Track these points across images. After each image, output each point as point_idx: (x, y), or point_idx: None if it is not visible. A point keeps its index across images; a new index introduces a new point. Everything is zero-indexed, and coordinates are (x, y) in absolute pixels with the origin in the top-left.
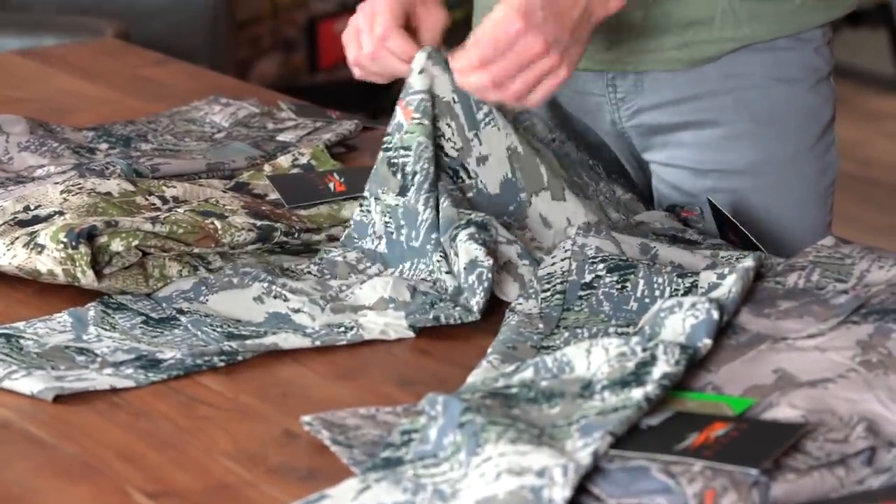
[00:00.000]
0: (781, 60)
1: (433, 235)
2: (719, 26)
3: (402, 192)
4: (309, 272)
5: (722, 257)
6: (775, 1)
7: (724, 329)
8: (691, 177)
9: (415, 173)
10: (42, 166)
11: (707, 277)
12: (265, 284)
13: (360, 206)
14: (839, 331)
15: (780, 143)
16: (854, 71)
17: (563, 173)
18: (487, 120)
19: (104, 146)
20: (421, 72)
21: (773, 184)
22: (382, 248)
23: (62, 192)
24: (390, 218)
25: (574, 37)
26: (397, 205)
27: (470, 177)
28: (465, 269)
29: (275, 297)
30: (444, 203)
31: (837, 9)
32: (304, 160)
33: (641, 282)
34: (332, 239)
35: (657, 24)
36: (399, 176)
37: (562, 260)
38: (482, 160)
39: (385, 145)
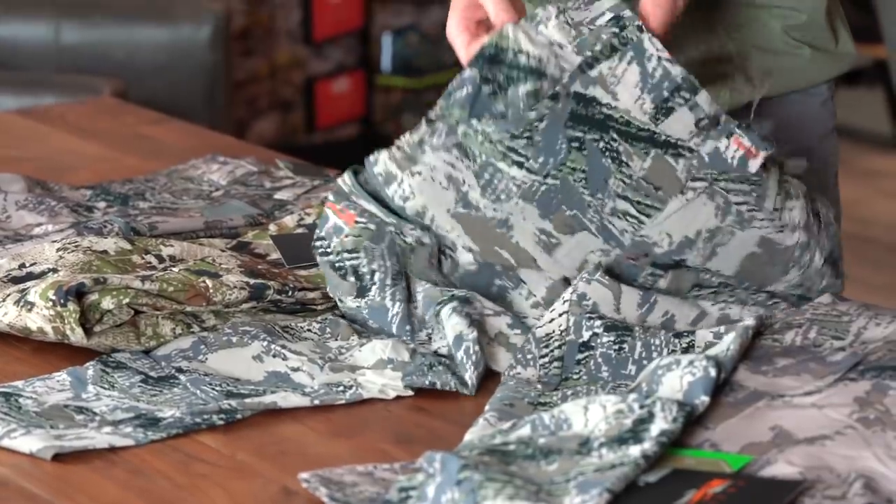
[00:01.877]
0: (790, 114)
1: (406, 327)
2: (731, 82)
3: (362, 293)
4: (310, 330)
5: (726, 303)
6: (785, 56)
7: (721, 386)
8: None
9: (373, 272)
10: (40, 225)
11: (704, 336)
12: (264, 343)
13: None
14: (837, 388)
15: None
16: (851, 130)
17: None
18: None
19: (102, 204)
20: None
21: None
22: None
23: (58, 250)
24: (354, 319)
25: None
26: (359, 306)
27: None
28: (452, 344)
29: (274, 356)
30: (424, 286)
31: (842, 63)
32: (309, 220)
33: (639, 343)
34: (327, 297)
35: None
36: (352, 278)
37: (560, 315)
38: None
39: (320, 249)
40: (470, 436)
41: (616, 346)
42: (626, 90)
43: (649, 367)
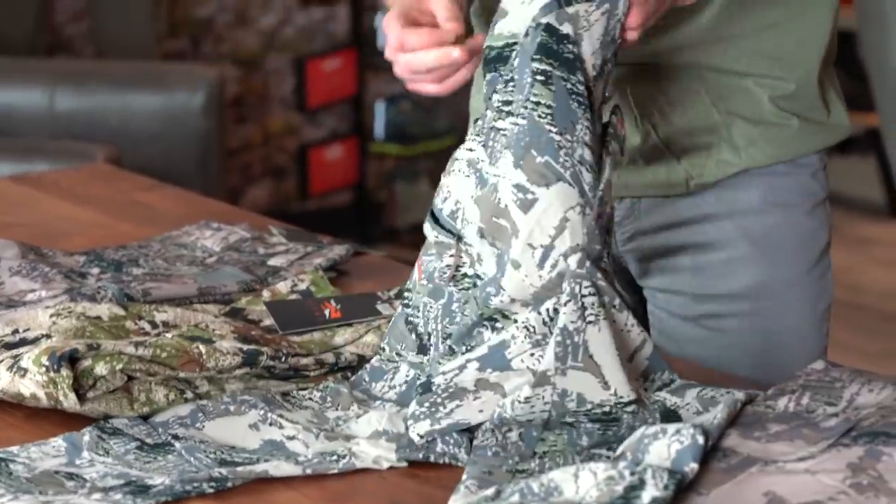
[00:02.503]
0: (779, 185)
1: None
2: (717, 153)
3: (422, 350)
4: (311, 399)
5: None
6: (772, 127)
7: (713, 452)
8: (690, 302)
9: (428, 334)
10: (33, 291)
11: (689, 418)
12: (261, 412)
13: (380, 353)
14: (830, 453)
15: (778, 267)
16: (844, 197)
17: None
18: None
19: (95, 271)
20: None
21: (771, 308)
22: (392, 395)
23: (52, 316)
24: (419, 372)
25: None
26: (422, 362)
27: None
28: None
29: (270, 425)
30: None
31: (833, 135)
32: (303, 286)
33: (624, 431)
34: (320, 363)
35: (655, 151)
36: (414, 335)
37: (542, 411)
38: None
39: (404, 301)
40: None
41: (600, 432)
42: (589, 41)
43: (634, 436)
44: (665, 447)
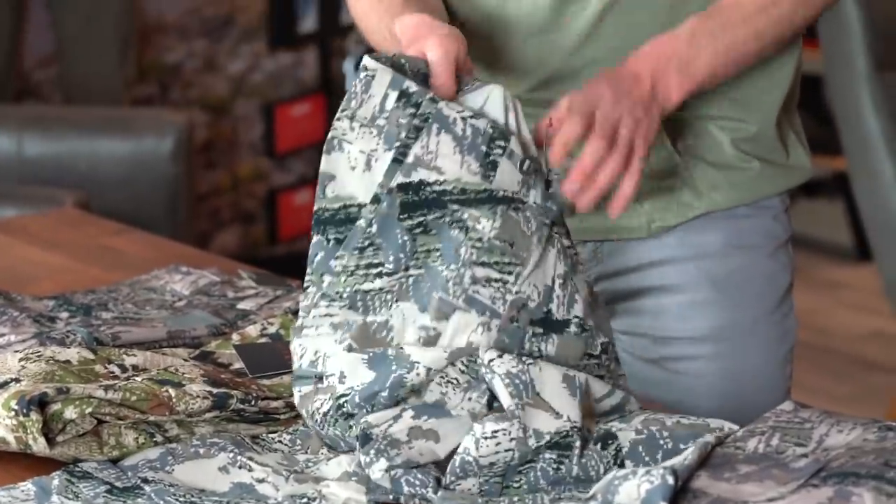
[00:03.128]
0: (741, 228)
1: None
2: (679, 196)
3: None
4: (281, 442)
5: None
6: (733, 170)
7: (683, 493)
8: (651, 344)
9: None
10: (2, 335)
11: (627, 437)
12: (231, 455)
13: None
14: (799, 494)
15: (740, 309)
16: (811, 241)
17: None
18: None
19: (65, 315)
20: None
21: (733, 350)
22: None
23: (21, 360)
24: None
25: (648, 112)
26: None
27: None
28: None
29: (240, 468)
30: None
31: (794, 177)
32: (272, 329)
33: (575, 468)
34: (291, 406)
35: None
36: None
37: (506, 451)
38: None
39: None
40: None
41: (555, 464)
42: (447, 160)
43: (606, 479)
44: (635, 487)
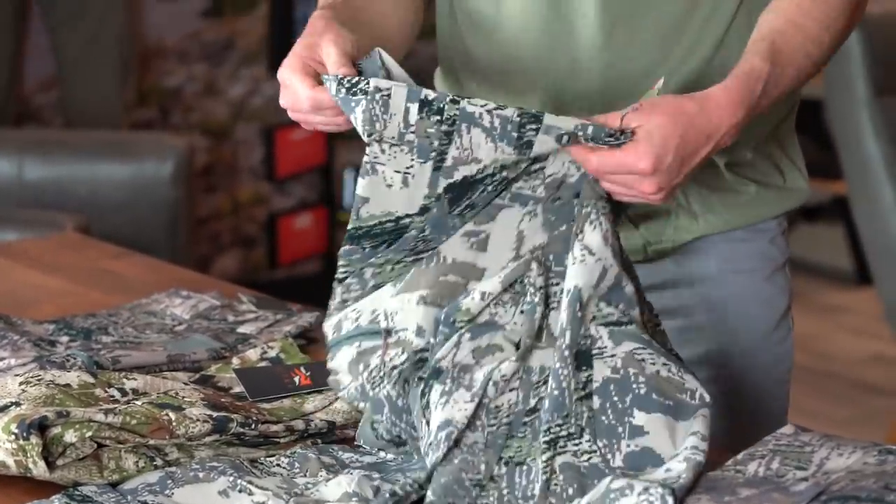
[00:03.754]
0: (737, 251)
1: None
2: (674, 219)
3: (400, 444)
4: (279, 465)
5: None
6: (729, 193)
7: None
8: None
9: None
10: (2, 359)
11: (602, 372)
12: (231, 478)
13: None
14: None
15: (737, 332)
16: (811, 265)
17: None
18: None
19: (65, 339)
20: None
21: (730, 374)
22: (363, 462)
23: (21, 384)
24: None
25: (687, 178)
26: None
27: None
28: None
29: (240, 491)
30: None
31: (790, 200)
32: (272, 353)
33: (556, 392)
34: (290, 430)
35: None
36: (385, 439)
37: (510, 390)
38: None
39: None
40: None
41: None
42: (482, 150)
43: (600, 489)
44: None
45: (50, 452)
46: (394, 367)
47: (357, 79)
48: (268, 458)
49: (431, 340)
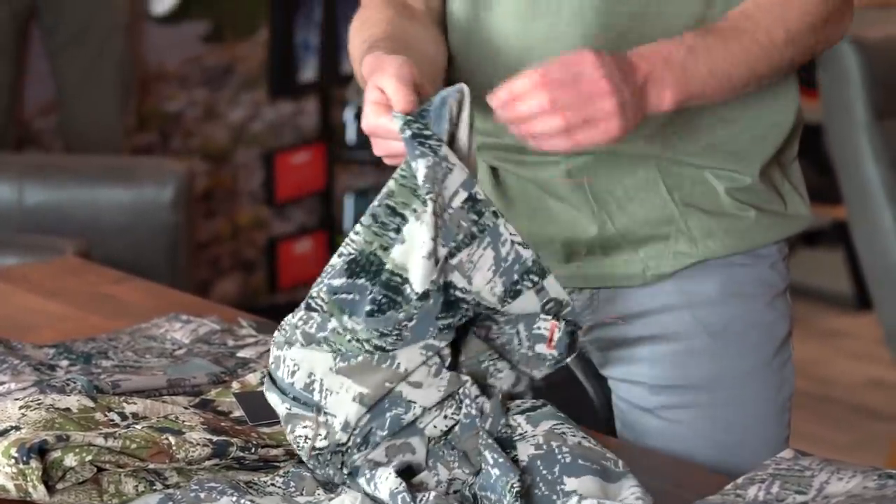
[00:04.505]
0: (737, 276)
1: None
2: (674, 244)
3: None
4: (274, 485)
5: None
6: (729, 218)
7: None
8: (647, 393)
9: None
10: (2, 383)
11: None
12: (233, 499)
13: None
14: None
15: (736, 358)
16: (812, 290)
17: None
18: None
19: (65, 363)
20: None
21: (729, 399)
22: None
23: (21, 408)
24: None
25: (634, 99)
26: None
27: None
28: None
29: None
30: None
31: (791, 226)
32: None
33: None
34: (290, 454)
35: (612, 242)
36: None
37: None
38: None
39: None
40: None
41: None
42: (480, 274)
43: None
44: None
45: (50, 476)
46: (314, 448)
47: (429, 132)
48: (262, 479)
49: (353, 433)
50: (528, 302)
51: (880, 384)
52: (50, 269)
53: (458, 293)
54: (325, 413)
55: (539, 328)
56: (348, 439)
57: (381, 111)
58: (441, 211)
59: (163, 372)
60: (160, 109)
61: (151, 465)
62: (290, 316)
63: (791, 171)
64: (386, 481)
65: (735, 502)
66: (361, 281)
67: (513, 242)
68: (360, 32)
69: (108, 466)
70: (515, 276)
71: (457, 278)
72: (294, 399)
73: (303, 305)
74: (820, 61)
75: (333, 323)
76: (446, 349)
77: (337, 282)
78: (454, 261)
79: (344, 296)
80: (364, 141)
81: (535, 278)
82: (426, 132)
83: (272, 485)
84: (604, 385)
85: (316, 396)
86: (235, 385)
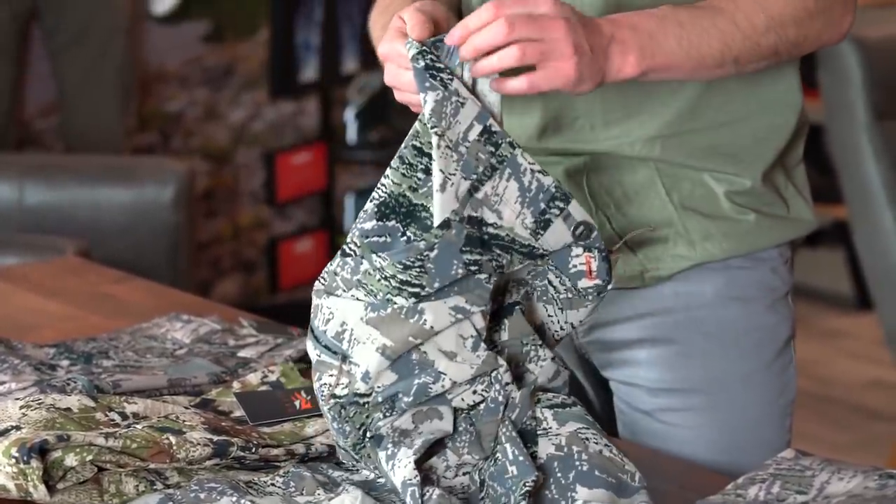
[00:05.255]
0: (736, 279)
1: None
2: (672, 246)
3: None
4: (274, 485)
5: None
6: (728, 221)
7: None
8: (646, 395)
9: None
10: (3, 383)
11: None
12: (233, 498)
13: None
14: None
15: (734, 361)
16: (812, 290)
17: None
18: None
19: (65, 363)
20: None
21: (728, 403)
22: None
23: (21, 408)
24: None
25: (595, 56)
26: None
27: None
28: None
29: None
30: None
31: (792, 230)
32: (273, 377)
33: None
34: (291, 454)
35: (611, 243)
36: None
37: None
38: None
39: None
40: None
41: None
42: (508, 207)
43: None
44: None
45: (50, 476)
46: (333, 396)
47: (441, 65)
48: (262, 479)
49: (375, 387)
50: (559, 232)
51: (880, 384)
52: (51, 269)
53: (490, 229)
54: (350, 362)
55: (575, 266)
56: (368, 392)
57: (398, 37)
58: (455, 145)
59: (163, 372)
60: (161, 109)
61: (152, 465)
62: (329, 264)
63: (795, 175)
64: (403, 469)
65: (736, 502)
66: (392, 223)
67: (532, 171)
68: (381, 17)
69: (109, 466)
70: (542, 205)
71: (486, 214)
72: (325, 347)
73: (339, 252)
74: (820, 61)
75: (365, 265)
76: (481, 321)
77: (368, 225)
78: (479, 195)
79: (376, 238)
80: (364, 141)
81: (561, 204)
82: (438, 64)
83: (272, 485)
84: (605, 387)
85: (344, 345)
86: (236, 385)
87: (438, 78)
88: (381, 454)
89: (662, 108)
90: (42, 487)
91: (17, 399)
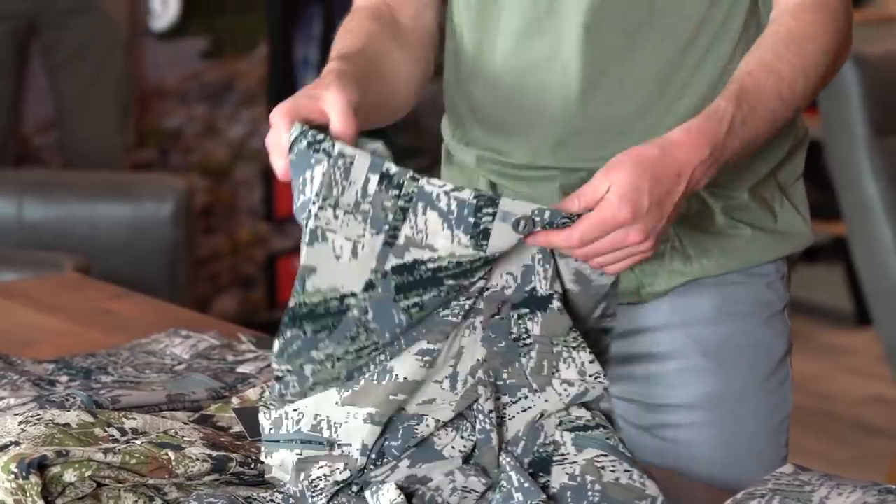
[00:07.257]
0: (732, 295)
1: None
2: (669, 262)
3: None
4: (272, 500)
5: None
6: (724, 237)
7: None
8: (643, 411)
9: None
10: (2, 398)
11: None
12: None
13: None
14: None
15: (730, 377)
16: (811, 306)
17: None
18: None
19: (64, 378)
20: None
21: (723, 419)
22: None
23: (20, 423)
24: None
25: (669, 219)
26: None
27: None
28: None
29: None
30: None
31: (788, 245)
32: None
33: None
34: None
35: None
36: None
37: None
38: None
39: None
40: None
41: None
42: (438, 238)
43: None
44: None
45: (49, 492)
46: (336, 483)
47: (324, 137)
48: (261, 495)
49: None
50: (503, 234)
51: (880, 400)
52: (49, 285)
53: (429, 265)
54: (339, 445)
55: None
56: (365, 464)
57: (289, 128)
58: (356, 206)
59: (162, 387)
60: (160, 126)
61: (151, 481)
62: (266, 393)
63: (792, 191)
64: (387, 493)
65: None
66: (294, 331)
67: (447, 193)
68: (340, 40)
69: (108, 482)
70: (471, 220)
71: (418, 254)
72: (305, 443)
73: (273, 381)
74: None
75: (308, 369)
76: (456, 359)
77: (286, 336)
78: (400, 240)
79: (297, 344)
80: None
81: (491, 209)
82: (319, 136)
83: (271, 500)
84: None
85: (325, 434)
86: (235, 400)
87: (321, 149)
88: (367, 494)
89: (659, 126)
90: (41, 503)
91: (17, 414)
